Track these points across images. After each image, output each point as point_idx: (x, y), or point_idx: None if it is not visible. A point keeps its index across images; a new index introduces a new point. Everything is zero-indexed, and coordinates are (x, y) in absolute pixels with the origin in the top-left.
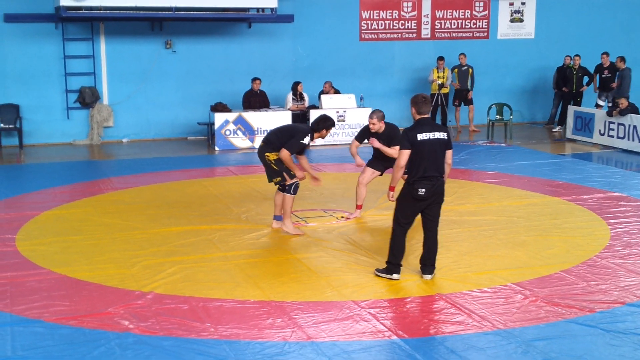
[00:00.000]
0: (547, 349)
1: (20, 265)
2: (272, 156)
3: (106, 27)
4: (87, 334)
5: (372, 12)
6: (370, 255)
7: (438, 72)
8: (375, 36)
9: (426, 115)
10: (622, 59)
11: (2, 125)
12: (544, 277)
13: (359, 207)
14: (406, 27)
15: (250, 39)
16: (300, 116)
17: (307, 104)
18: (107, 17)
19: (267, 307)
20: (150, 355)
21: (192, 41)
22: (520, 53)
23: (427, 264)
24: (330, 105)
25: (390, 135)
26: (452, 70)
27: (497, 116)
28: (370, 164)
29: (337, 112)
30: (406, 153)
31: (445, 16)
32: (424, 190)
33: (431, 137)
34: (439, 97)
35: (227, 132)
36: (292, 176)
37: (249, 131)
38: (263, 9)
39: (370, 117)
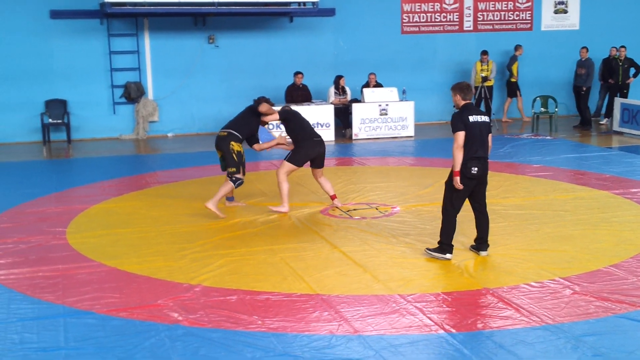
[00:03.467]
0: (598, 345)
1: (71, 258)
2: (236, 147)
3: (150, 23)
4: (138, 326)
5: (413, 4)
6: (416, 249)
7: (482, 65)
8: (417, 29)
9: (470, 101)
10: None
11: (50, 120)
12: (593, 271)
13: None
14: (448, 19)
15: (292, 33)
16: (342, 110)
17: (349, 97)
18: (151, 13)
19: (314, 301)
20: (200, 347)
21: (235, 36)
22: (565, 45)
23: (483, 242)
24: (372, 98)
25: None
26: (510, 61)
27: (542, 109)
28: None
29: (380, 105)
30: (462, 134)
31: (487, 8)
32: (476, 169)
33: (479, 120)
34: (483, 89)
35: (270, 126)
36: (243, 173)
37: None
38: (304, 3)
39: None
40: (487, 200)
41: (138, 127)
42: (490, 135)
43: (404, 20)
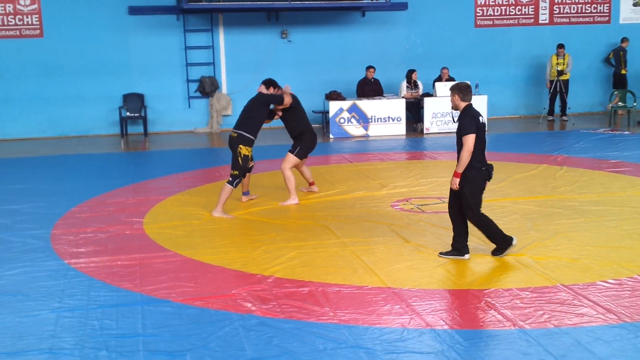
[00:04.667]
0: None
1: (148, 248)
2: (244, 151)
3: (225, 18)
4: (212, 315)
5: None
6: (489, 244)
7: (558, 58)
8: (491, 22)
9: (470, 102)
10: None
11: (128, 113)
12: None
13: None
14: (523, 12)
15: (364, 28)
16: (414, 104)
17: (421, 91)
18: (225, 8)
19: (385, 294)
20: (273, 337)
21: (307, 31)
22: None
23: (465, 245)
24: (445, 92)
25: None
26: (616, 53)
27: (620, 103)
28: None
29: None
30: (473, 137)
31: (564, 0)
32: (492, 172)
33: (484, 121)
34: (558, 83)
35: (342, 120)
36: (243, 175)
37: (363, 119)
38: None
39: None
40: (563, 196)
41: (212, 120)
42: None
43: (478, 14)
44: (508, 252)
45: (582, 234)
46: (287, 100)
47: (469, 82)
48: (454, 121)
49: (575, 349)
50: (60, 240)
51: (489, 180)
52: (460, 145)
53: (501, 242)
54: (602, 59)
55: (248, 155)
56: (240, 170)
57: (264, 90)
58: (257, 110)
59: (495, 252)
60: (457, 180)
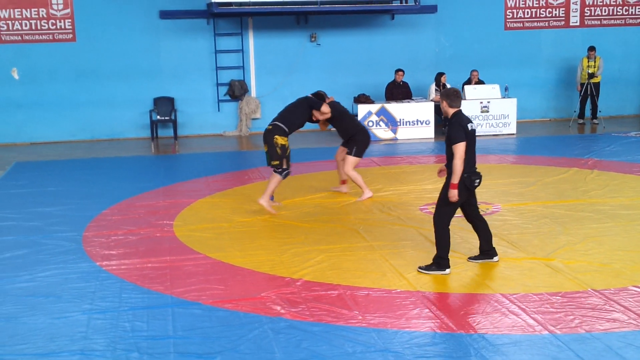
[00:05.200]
0: None
1: (178, 250)
2: (280, 140)
3: (254, 22)
4: (242, 317)
5: (518, 0)
6: (518, 247)
7: (589, 61)
8: (521, 25)
9: (459, 109)
10: None
11: (158, 117)
12: None
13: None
14: (553, 14)
15: (393, 31)
16: None
17: None
18: (255, 12)
19: (414, 298)
20: (302, 340)
21: (336, 34)
22: None
23: (491, 248)
24: (474, 95)
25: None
26: None
27: None
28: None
29: (481, 102)
30: (464, 145)
31: (595, 2)
32: (478, 180)
33: (474, 128)
34: (589, 86)
35: (370, 123)
36: (288, 165)
37: (392, 122)
38: (406, 0)
39: None
40: (593, 200)
41: (241, 124)
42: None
43: (508, 16)
44: (434, 273)
45: (613, 238)
46: (325, 109)
47: (458, 88)
48: (443, 127)
49: (606, 354)
50: (92, 243)
51: (471, 189)
52: (449, 154)
53: (442, 258)
54: None
55: (285, 145)
56: (281, 159)
57: (326, 109)
58: (298, 109)
59: (422, 267)
60: (455, 192)
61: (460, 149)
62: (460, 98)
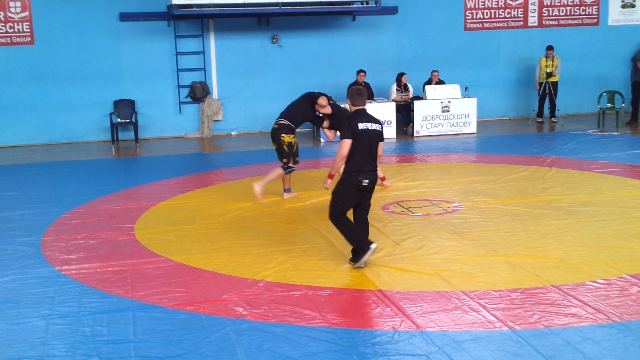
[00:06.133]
0: None
1: (139, 253)
2: (287, 138)
3: (215, 24)
4: (204, 320)
5: (477, 1)
6: (478, 245)
7: (547, 60)
8: (481, 25)
9: (362, 107)
10: None
11: (119, 119)
12: None
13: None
14: (512, 15)
15: (355, 32)
16: (404, 107)
17: (411, 94)
18: (216, 14)
19: (376, 297)
20: (264, 341)
21: (298, 35)
22: (633, 40)
23: (362, 247)
24: (435, 95)
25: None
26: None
27: (609, 104)
28: None
29: (442, 102)
30: (348, 143)
31: (553, 3)
32: (367, 181)
33: (369, 128)
34: (547, 85)
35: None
36: (295, 162)
37: None
38: (367, 1)
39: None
40: (552, 197)
41: (203, 126)
42: (382, 143)
43: (467, 17)
44: (365, 258)
45: (572, 235)
46: (322, 102)
47: (362, 87)
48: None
49: (565, 349)
50: (51, 247)
51: (360, 189)
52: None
53: (357, 245)
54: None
55: (292, 142)
56: (289, 157)
57: (323, 101)
58: (301, 104)
59: (351, 260)
60: (329, 180)
61: (344, 145)
62: (363, 97)
